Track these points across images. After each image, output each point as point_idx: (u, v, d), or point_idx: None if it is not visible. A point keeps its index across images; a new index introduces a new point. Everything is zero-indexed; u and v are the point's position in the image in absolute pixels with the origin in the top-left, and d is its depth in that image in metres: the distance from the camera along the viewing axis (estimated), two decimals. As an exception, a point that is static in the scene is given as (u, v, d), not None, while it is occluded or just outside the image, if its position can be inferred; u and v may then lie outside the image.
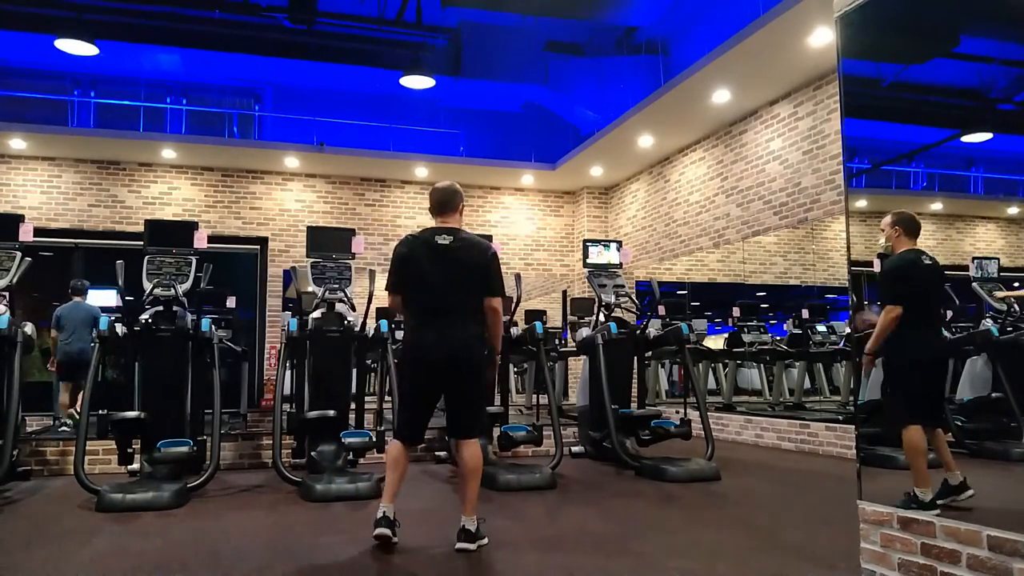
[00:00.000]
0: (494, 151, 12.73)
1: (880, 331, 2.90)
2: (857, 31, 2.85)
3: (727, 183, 8.45)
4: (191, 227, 5.37)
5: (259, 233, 10.12)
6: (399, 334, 7.94)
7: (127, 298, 5.02)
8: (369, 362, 6.91)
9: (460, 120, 12.92)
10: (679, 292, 9.92)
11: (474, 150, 12.60)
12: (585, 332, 6.13)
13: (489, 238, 6.01)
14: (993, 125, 2.91)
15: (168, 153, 9.57)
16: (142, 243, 5.22)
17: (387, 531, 3.22)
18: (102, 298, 7.99)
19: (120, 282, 4.90)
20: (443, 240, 3.34)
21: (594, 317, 6.41)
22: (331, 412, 4.92)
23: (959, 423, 3.40)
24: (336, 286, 5.29)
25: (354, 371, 5.47)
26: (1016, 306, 3.43)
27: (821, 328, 7.86)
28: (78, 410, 6.77)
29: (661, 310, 7.80)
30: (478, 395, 3.52)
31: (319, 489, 4.44)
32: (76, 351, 7.26)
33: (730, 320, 8.90)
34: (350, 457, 5.00)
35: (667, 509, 4.26)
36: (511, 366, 7.95)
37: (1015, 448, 2.91)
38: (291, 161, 9.96)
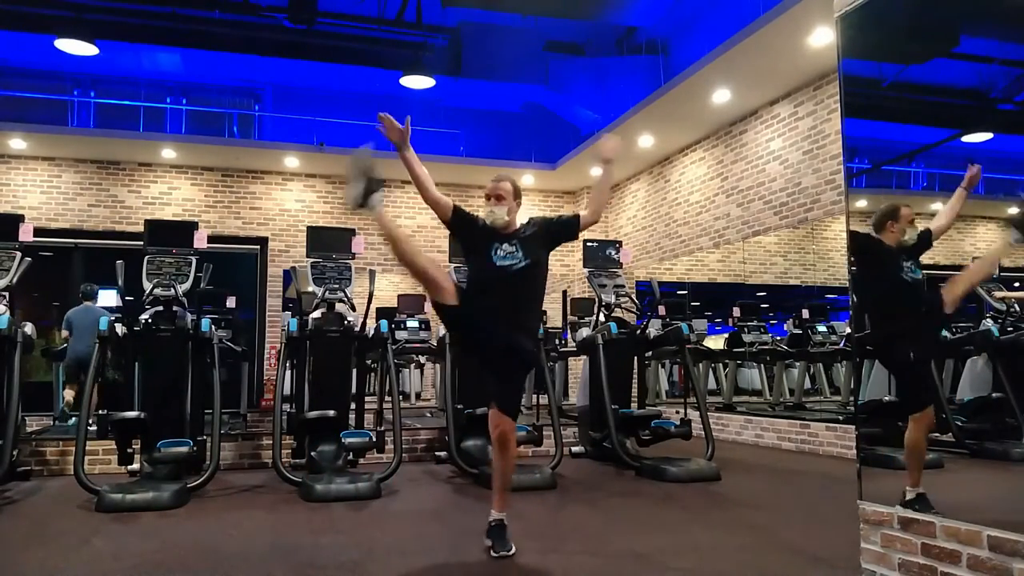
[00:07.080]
0: (494, 151, 12.73)
1: None
2: (857, 31, 2.85)
3: (727, 183, 8.45)
4: (191, 227, 5.37)
5: (259, 233, 10.11)
6: (400, 334, 8.02)
7: (127, 298, 5.01)
8: (369, 362, 6.91)
9: (460, 120, 12.90)
10: (679, 292, 9.91)
11: (474, 150, 12.59)
12: (585, 332, 6.13)
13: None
14: (993, 125, 2.91)
15: (168, 153, 9.57)
16: (142, 243, 5.22)
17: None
18: (103, 299, 7.99)
19: (120, 282, 4.89)
20: None
21: (594, 317, 6.41)
22: (331, 412, 4.92)
23: (959, 423, 3.39)
24: (336, 286, 5.29)
25: (354, 371, 5.47)
26: (1016, 306, 3.43)
27: (821, 328, 7.85)
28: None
29: (661, 310, 7.80)
30: None
31: (319, 489, 4.44)
32: (83, 354, 7.28)
33: (730, 320, 8.89)
34: (350, 457, 5.00)
35: (667, 509, 4.26)
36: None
37: (1015, 448, 2.90)
38: (291, 161, 9.96)
